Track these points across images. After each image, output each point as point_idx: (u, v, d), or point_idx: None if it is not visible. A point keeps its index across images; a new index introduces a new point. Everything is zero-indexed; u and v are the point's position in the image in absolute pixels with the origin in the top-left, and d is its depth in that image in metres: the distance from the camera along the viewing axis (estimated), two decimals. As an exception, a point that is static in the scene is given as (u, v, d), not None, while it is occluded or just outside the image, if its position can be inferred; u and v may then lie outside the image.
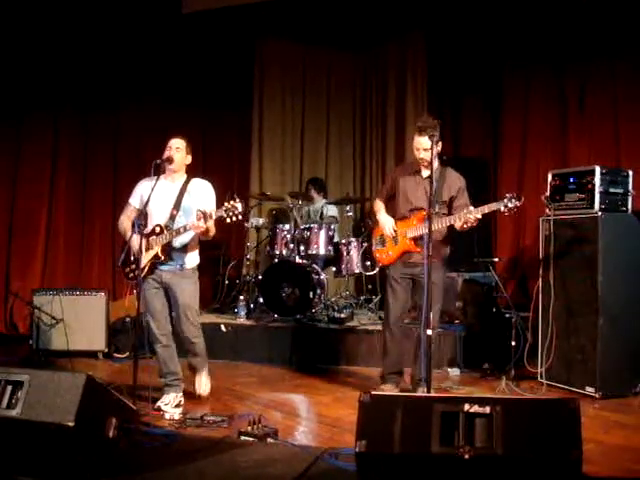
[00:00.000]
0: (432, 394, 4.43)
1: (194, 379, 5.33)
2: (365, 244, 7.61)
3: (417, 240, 5.25)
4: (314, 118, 9.37)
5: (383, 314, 5.88)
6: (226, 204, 4.65)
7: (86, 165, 8.56)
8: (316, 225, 7.48)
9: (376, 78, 9.27)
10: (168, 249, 4.93)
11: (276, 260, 7.50)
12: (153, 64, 8.67)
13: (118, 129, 8.73)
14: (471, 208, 5.01)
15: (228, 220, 4.65)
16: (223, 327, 7.02)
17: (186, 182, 5.09)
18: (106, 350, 6.92)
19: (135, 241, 4.82)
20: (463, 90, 8.81)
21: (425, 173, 5.28)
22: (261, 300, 7.32)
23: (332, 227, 7.55)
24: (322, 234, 7.39)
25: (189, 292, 5.10)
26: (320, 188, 8.50)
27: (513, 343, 5.89)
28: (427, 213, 4.70)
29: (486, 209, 4.87)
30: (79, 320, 6.83)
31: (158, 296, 5.06)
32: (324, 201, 8.42)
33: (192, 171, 5.24)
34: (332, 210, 8.31)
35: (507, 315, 6.47)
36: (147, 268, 4.93)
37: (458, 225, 5.08)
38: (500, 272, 7.16)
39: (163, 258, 4.92)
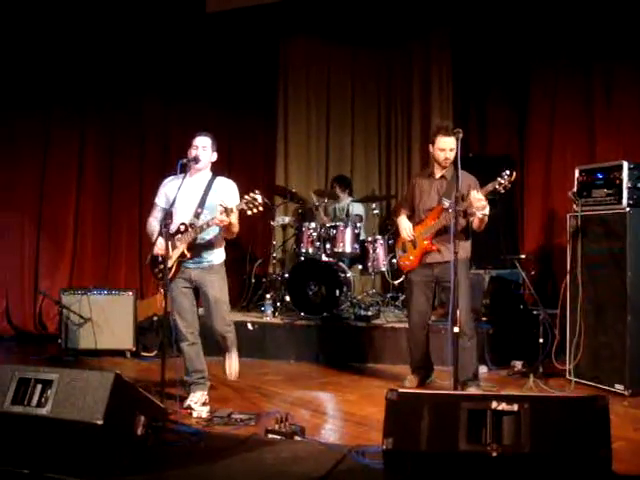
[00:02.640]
0: (459, 392, 4.42)
1: (224, 362, 5.33)
2: (391, 242, 7.61)
3: (433, 238, 5.33)
4: (339, 116, 9.35)
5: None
6: (246, 196, 4.68)
7: (112, 165, 8.61)
8: (342, 223, 7.48)
9: (401, 75, 9.21)
10: (194, 246, 4.94)
11: (302, 258, 7.51)
12: (178, 63, 8.71)
13: (144, 129, 8.79)
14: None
15: (249, 212, 4.68)
16: (250, 325, 7.05)
17: (211, 181, 5.08)
18: (134, 349, 6.96)
19: (160, 243, 4.85)
20: (489, 87, 8.71)
21: (438, 174, 5.46)
22: (288, 298, 7.33)
23: (358, 225, 7.54)
24: (348, 232, 7.39)
25: (218, 286, 5.10)
26: (346, 186, 8.47)
27: (541, 340, 5.87)
28: (439, 207, 5.15)
29: (483, 191, 4.97)
30: (107, 319, 6.90)
31: (187, 295, 5.09)
32: (350, 199, 8.40)
33: (217, 170, 5.24)
34: (358, 208, 8.29)
35: (534, 312, 6.44)
36: (175, 267, 4.95)
37: (472, 218, 5.15)
38: (527, 269, 7.10)
39: (189, 255, 4.92)
